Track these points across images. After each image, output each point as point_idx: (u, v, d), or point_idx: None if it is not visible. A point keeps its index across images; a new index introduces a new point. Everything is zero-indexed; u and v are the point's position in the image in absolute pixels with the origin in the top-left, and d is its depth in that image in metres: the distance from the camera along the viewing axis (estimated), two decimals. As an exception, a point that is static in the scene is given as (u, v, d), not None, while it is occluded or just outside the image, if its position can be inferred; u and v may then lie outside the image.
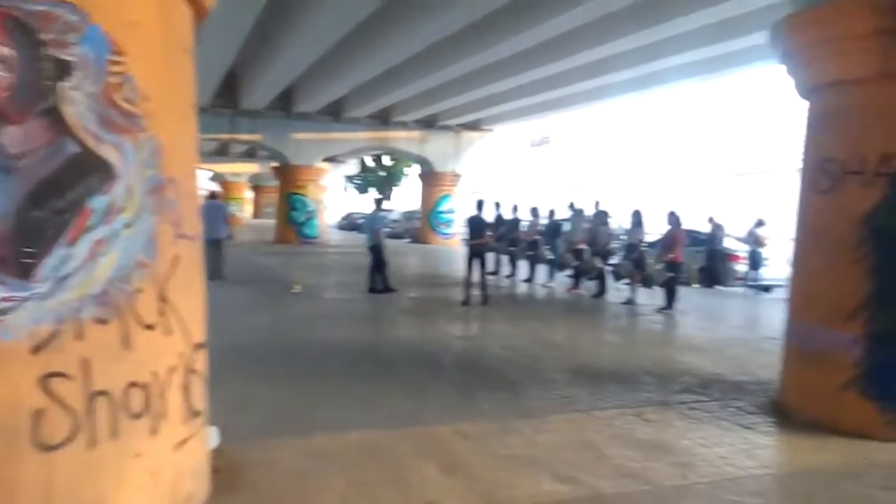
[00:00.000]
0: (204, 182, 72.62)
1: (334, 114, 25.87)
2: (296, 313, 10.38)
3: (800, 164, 5.61)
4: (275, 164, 29.21)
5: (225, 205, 15.61)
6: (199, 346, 3.55)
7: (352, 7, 13.02)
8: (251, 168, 44.25)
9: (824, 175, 5.20)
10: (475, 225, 11.57)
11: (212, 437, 4.25)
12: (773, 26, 5.63)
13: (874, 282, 4.92)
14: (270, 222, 31.43)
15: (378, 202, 13.02)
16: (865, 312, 4.95)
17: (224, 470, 4.11)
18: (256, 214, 54.57)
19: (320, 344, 8.04)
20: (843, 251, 5.07)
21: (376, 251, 12.54)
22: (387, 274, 12.73)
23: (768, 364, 7.07)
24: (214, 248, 12.94)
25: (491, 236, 12.67)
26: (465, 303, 11.37)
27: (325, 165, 36.10)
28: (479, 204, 11.90)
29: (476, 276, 11.48)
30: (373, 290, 12.57)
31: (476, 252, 11.46)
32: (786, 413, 5.51)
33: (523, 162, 45.94)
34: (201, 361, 3.60)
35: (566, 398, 5.95)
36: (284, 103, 24.75)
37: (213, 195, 15.83)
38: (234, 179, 47.94)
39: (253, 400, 5.69)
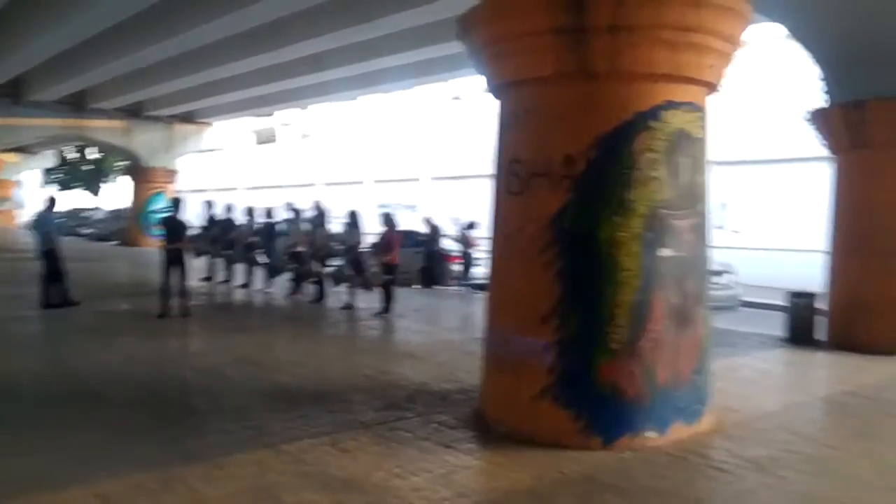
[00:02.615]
0: None
1: (13, 95, 21.94)
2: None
3: (493, 165, 5.42)
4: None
5: None
6: None
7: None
8: None
9: (513, 176, 5.05)
10: (171, 226, 10.18)
11: None
12: (459, 21, 5.37)
13: (563, 286, 4.84)
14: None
15: (51, 200, 10.91)
16: (556, 318, 4.85)
17: None
18: (-79, 214, 45.04)
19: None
20: (533, 255, 4.94)
21: (50, 258, 10.50)
22: (67, 285, 10.74)
23: (473, 368, 6.88)
24: None
25: (190, 238, 11.29)
26: (163, 315, 9.96)
27: (8, 157, 30.86)
28: (176, 203, 10.52)
29: (175, 284, 10.12)
30: (48, 304, 10.53)
31: (173, 257, 10.07)
32: (486, 424, 5.28)
33: (250, 159, 43.84)
34: None
35: (254, 430, 5.13)
36: (-57, 80, 20.38)
37: None
38: None
39: None
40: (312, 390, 6.31)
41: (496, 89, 5.32)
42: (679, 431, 4.98)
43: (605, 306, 4.76)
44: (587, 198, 4.75)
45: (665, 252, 4.84)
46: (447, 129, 29.46)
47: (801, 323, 9.20)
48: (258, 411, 5.61)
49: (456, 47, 14.29)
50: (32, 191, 55.67)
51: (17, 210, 44.24)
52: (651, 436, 4.87)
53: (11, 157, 34.65)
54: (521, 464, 4.57)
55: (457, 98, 23.18)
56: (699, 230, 5.09)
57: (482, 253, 14.80)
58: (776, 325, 9.77)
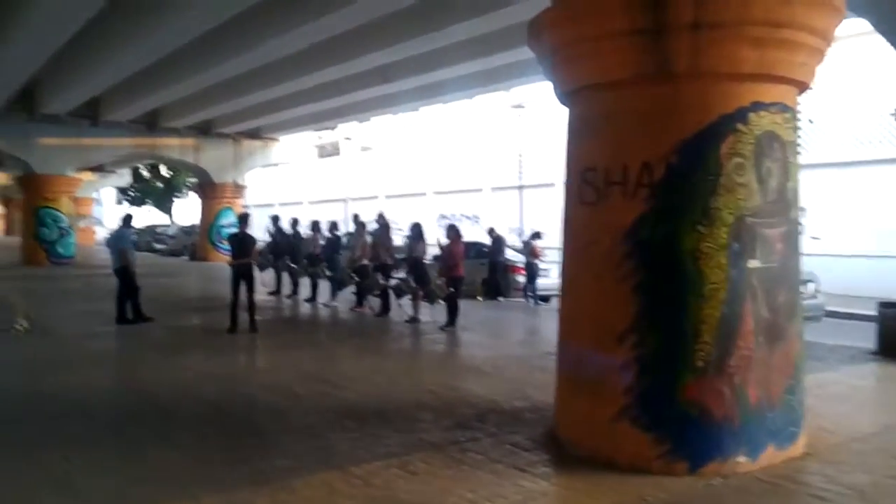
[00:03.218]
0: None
1: (91, 117, 22.83)
2: (11, 357, 8.45)
3: (564, 174, 5.19)
4: (16, 173, 25.28)
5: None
6: None
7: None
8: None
9: (587, 186, 4.80)
10: (239, 242, 10.29)
11: None
12: (529, 25, 5.17)
13: (641, 301, 4.56)
14: (25, 240, 27.20)
15: (126, 218, 11.21)
16: (634, 334, 4.58)
17: None
18: (9, 231, 47.68)
19: (17, 400, 6.36)
20: (609, 268, 4.68)
21: (124, 275, 10.76)
22: (139, 301, 10.99)
23: (545, 384, 6.66)
24: None
25: (256, 253, 11.38)
26: (232, 330, 10.06)
27: (85, 175, 32.21)
28: (243, 218, 10.66)
29: (243, 299, 10.21)
30: (122, 320, 10.78)
31: (241, 272, 10.17)
32: (561, 446, 5.03)
33: (314, 173, 44.60)
34: None
35: (321, 450, 5.02)
36: (27, 103, 21.35)
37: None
38: (-22, 192, 41.35)
39: None
40: (379, 408, 6.18)
41: (567, 95, 5.09)
42: (772, 456, 4.62)
43: (689, 322, 4.46)
44: (667, 207, 4.46)
45: (754, 263, 4.51)
46: (509, 139, 29.23)
47: (893, 334, 8.58)
48: (325, 430, 5.50)
49: (518, 55, 14.22)
50: (109, 208, 58.27)
51: (95, 227, 46.24)
52: (742, 461, 4.53)
53: (89, 176, 36.17)
54: (600, 490, 4.31)
55: (518, 106, 22.90)
56: (790, 239, 4.73)
57: (548, 263, 14.53)
58: (864, 337, 9.16)
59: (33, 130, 22.26)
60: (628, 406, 4.59)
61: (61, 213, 23.62)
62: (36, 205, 23.30)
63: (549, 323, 11.44)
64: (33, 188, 23.43)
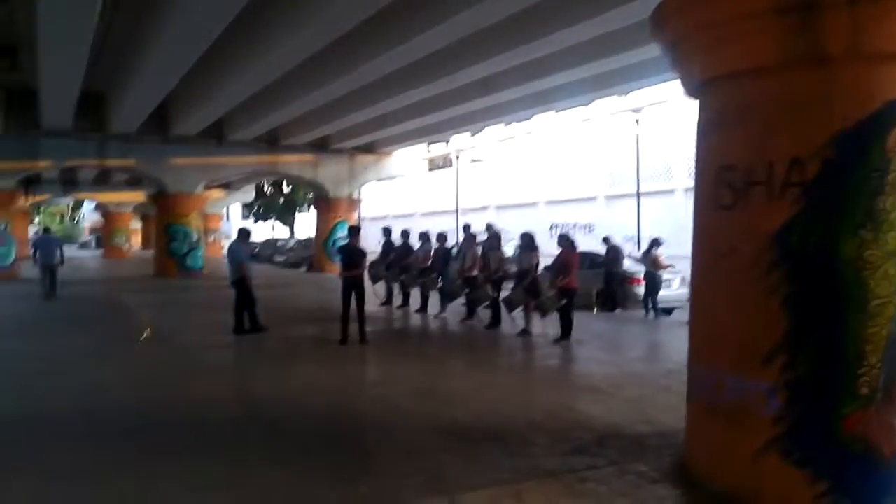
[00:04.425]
0: (88, 213, 68.46)
1: (217, 137, 24.05)
2: (133, 366, 8.77)
3: (694, 175, 4.65)
4: (151, 192, 27.00)
5: (58, 237, 19.02)
6: None
7: (207, 18, 11.65)
8: (137, 197, 41.22)
9: (724, 187, 4.24)
10: (348, 254, 10.27)
11: None
12: (653, 13, 4.68)
13: (791, 317, 3.97)
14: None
15: (241, 232, 11.50)
16: (784, 355, 3.98)
17: None
18: (146, 246, 51.32)
19: (133, 413, 6.46)
20: (752, 279, 4.11)
21: (241, 286, 11.03)
22: (256, 312, 11.22)
23: (671, 407, 6.10)
24: (50, 272, 16.68)
25: (367, 265, 11.35)
26: (343, 342, 10.03)
27: (214, 193, 33.99)
28: (354, 230, 10.63)
29: (353, 311, 10.17)
30: (239, 330, 11.03)
31: (351, 284, 10.15)
32: (694, 480, 4.48)
33: (425, 185, 45.08)
34: None
35: (429, 473, 4.72)
36: (160, 126, 22.77)
37: (47, 229, 17.77)
38: (120, 209, 44.71)
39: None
40: (490, 428, 5.82)
41: (698, 87, 4.55)
42: (954, 501, 3.89)
43: (851, 342, 3.82)
44: (822, 209, 3.85)
45: (931, 274, 3.82)
46: (625, 145, 28.21)
47: None
48: (433, 451, 5.21)
49: (633, 57, 13.55)
50: (236, 223, 61.63)
51: (224, 241, 48.96)
52: (917, 505, 3.83)
53: (217, 193, 38.39)
54: (744, 535, 3.75)
55: (636, 110, 22.02)
56: (977, 245, 3.97)
57: (670, 273, 13.68)
58: None
59: (166, 151, 23.71)
60: (777, 438, 3.99)
61: (191, 228, 24.92)
62: (168, 221, 24.72)
63: (670, 337, 10.71)
64: (166, 205, 24.89)
